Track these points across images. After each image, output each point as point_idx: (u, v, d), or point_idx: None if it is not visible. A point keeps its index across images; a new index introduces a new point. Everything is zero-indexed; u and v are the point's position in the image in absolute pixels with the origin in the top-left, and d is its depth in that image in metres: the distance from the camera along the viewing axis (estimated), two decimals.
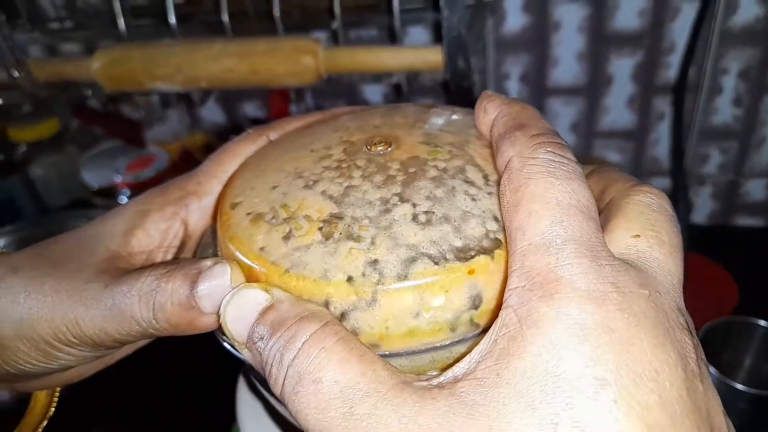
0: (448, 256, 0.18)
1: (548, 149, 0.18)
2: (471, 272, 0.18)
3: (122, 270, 0.22)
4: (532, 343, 0.14)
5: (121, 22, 0.56)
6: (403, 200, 0.20)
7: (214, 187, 0.26)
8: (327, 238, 0.19)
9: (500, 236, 0.19)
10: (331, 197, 0.21)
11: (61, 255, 0.23)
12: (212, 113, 0.84)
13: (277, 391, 0.16)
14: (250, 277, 0.20)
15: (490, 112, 0.21)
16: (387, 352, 0.18)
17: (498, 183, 0.19)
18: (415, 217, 0.19)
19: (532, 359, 0.14)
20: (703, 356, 0.16)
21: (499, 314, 0.16)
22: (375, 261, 0.18)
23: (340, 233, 0.19)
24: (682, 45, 0.66)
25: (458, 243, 0.19)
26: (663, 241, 0.17)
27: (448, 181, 0.21)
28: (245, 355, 0.18)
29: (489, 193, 0.20)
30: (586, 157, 0.75)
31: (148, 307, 0.20)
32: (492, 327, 0.16)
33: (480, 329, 0.18)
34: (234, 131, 0.28)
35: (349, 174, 0.22)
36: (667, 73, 0.68)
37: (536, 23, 0.68)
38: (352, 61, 0.52)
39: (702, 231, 0.76)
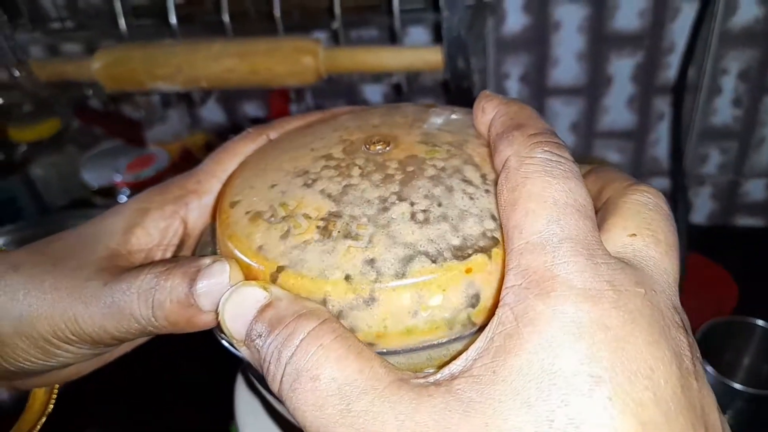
0: (445, 255, 0.18)
1: (545, 148, 0.18)
2: (468, 271, 0.18)
3: (122, 268, 0.22)
4: (528, 341, 0.14)
5: (122, 22, 0.57)
6: (401, 199, 0.20)
7: (214, 186, 0.26)
8: (325, 237, 0.19)
9: (497, 235, 0.19)
10: (329, 196, 0.21)
11: (62, 253, 0.23)
12: (212, 113, 0.84)
13: (274, 388, 0.16)
14: (249, 275, 0.20)
15: (488, 111, 0.21)
16: (384, 350, 0.18)
17: (495, 182, 0.19)
18: (413, 216, 0.19)
19: (528, 357, 0.14)
20: (699, 354, 0.16)
21: (496, 312, 0.16)
22: (373, 259, 0.18)
23: (338, 231, 0.19)
24: (681, 45, 0.66)
25: (456, 242, 0.19)
26: (659, 240, 0.17)
27: (446, 180, 0.21)
28: (243, 352, 0.18)
29: (486, 192, 0.20)
30: (586, 157, 0.75)
31: (147, 305, 0.20)
32: (489, 325, 0.16)
33: (477, 327, 0.19)
34: (234, 131, 0.28)
35: (348, 173, 0.22)
36: (667, 74, 0.69)
37: (536, 23, 0.68)
38: (352, 61, 0.52)
39: (702, 231, 0.76)
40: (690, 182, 0.74)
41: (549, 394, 0.14)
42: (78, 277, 0.22)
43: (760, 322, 0.49)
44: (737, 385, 0.43)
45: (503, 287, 0.16)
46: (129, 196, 0.72)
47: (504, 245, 0.18)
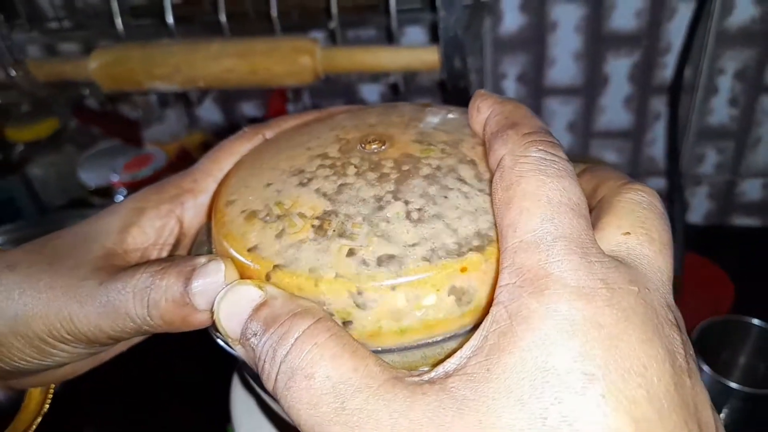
0: (440, 254, 0.18)
1: (540, 147, 0.18)
2: (463, 269, 0.18)
3: (117, 267, 0.22)
4: (521, 339, 0.14)
5: (120, 22, 0.57)
6: (396, 198, 0.20)
7: (210, 185, 0.26)
8: (320, 236, 0.19)
9: (492, 234, 0.19)
10: (324, 195, 0.21)
11: (58, 252, 0.23)
12: (210, 113, 0.84)
13: (269, 386, 0.16)
14: (244, 274, 0.20)
15: (483, 110, 0.21)
16: (379, 348, 0.18)
17: (490, 181, 0.19)
18: (408, 215, 0.19)
19: (521, 354, 0.14)
20: (692, 352, 0.16)
21: (490, 310, 0.16)
22: (367, 258, 0.18)
23: (334, 230, 0.19)
24: (678, 45, 0.66)
25: (450, 240, 0.19)
26: (653, 239, 0.17)
27: (441, 179, 0.21)
28: (239, 351, 0.18)
29: (481, 191, 0.20)
30: (582, 156, 0.75)
31: (142, 304, 0.20)
32: (483, 323, 0.16)
33: (471, 325, 0.19)
34: (231, 131, 0.28)
35: (344, 172, 0.22)
36: (664, 74, 0.69)
37: (533, 23, 0.68)
38: (349, 61, 0.52)
39: (698, 231, 0.76)
40: (687, 182, 0.74)
41: (542, 392, 0.14)
42: (74, 276, 0.22)
43: (757, 322, 0.49)
44: (733, 384, 0.43)
45: (497, 285, 0.16)
46: (126, 196, 0.72)
47: (498, 244, 0.18)
